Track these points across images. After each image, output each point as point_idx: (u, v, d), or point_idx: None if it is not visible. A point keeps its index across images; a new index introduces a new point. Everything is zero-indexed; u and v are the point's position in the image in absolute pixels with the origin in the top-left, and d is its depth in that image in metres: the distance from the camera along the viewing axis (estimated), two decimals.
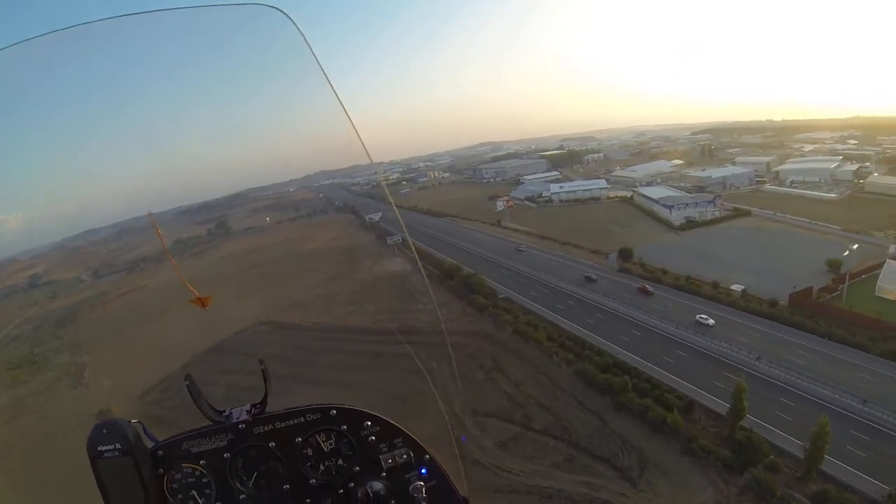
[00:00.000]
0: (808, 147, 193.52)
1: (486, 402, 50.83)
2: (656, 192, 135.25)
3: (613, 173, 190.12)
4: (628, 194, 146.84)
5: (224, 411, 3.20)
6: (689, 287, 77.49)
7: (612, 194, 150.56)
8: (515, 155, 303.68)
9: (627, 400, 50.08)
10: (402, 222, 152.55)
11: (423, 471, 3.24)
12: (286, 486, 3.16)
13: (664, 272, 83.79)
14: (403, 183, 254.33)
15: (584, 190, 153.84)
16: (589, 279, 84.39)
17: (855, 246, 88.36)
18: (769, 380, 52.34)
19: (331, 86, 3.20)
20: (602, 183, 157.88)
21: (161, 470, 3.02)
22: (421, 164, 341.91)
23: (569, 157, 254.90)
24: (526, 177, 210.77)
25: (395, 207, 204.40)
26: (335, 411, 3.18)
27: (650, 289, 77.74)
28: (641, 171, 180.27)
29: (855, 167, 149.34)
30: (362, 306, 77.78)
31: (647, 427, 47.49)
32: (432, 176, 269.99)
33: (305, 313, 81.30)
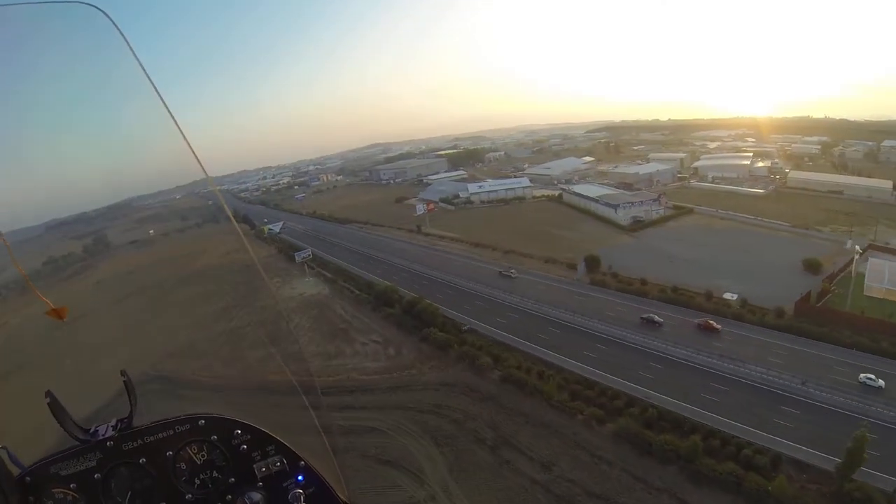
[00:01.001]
0: (712, 144, 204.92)
1: (513, 502, 35.32)
2: (590, 190, 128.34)
3: (526, 170, 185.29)
4: (554, 193, 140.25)
5: (90, 429, 3.08)
6: (680, 299, 68.50)
7: (537, 193, 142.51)
8: (409, 155, 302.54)
9: (705, 468, 37.91)
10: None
11: (300, 478, 3.21)
12: None
13: (643, 282, 74.96)
14: (296, 187, 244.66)
15: (507, 189, 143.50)
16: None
17: (847, 244, 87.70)
18: (831, 408, 43.77)
19: (158, 94, 3.07)
20: (525, 181, 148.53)
21: (31, 498, 2.94)
22: (310, 168, 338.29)
23: (469, 155, 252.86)
24: (430, 177, 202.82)
25: (296, 215, 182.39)
26: (203, 421, 3.13)
27: (716, 324, 60.23)
28: (556, 168, 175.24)
29: (767, 163, 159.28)
30: (280, 347, 59.90)
31: (743, 500, 35.69)
32: (325, 179, 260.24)
33: (206, 362, 62.22)
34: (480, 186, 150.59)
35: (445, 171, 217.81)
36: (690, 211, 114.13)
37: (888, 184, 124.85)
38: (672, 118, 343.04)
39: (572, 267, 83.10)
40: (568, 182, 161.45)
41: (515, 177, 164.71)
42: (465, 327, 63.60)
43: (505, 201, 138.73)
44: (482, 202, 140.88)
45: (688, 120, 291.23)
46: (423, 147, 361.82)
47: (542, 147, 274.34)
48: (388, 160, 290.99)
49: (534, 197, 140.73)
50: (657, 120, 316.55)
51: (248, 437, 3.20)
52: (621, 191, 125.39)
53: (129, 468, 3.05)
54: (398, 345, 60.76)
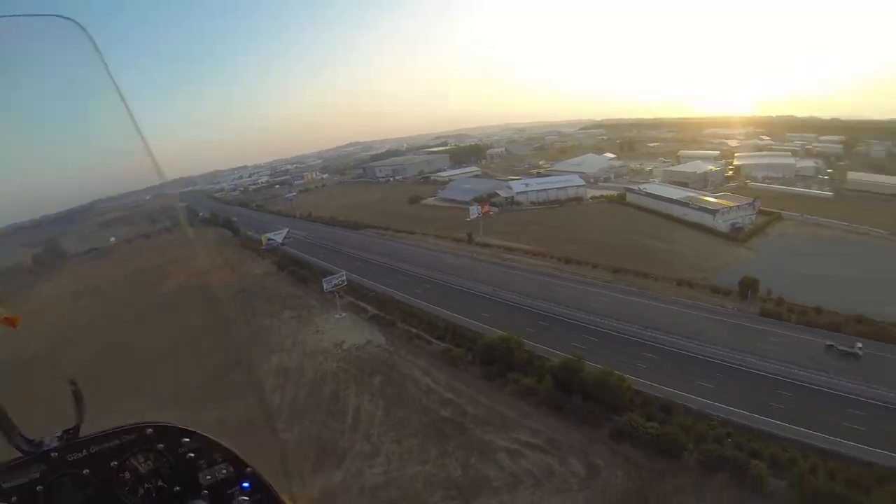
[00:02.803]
0: (732, 142, 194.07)
1: None
2: (666, 191, 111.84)
3: (556, 166, 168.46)
4: (613, 193, 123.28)
5: (35, 440, 2.96)
6: (872, 332, 52.69)
7: (595, 193, 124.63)
8: (398, 152, 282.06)
9: None
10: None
11: (246, 485, 3.09)
12: None
13: (818, 311, 58.36)
14: (277, 186, 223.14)
15: (558, 188, 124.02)
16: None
17: None
18: None
19: (121, 97, 3.14)
20: (576, 179, 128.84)
21: None
22: (289, 167, 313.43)
23: (471, 151, 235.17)
24: (440, 174, 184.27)
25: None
26: (151, 430, 3.05)
27: None
28: (587, 165, 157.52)
29: (811, 163, 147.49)
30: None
31: None
32: (311, 177, 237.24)
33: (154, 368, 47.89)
34: (526, 185, 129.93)
35: (452, 169, 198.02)
36: (779, 217, 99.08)
37: None
38: (658, 116, 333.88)
39: (717, 292, 65.68)
40: (606, 181, 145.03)
41: (549, 175, 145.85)
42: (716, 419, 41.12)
43: (559, 202, 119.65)
44: (532, 203, 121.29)
45: (691, 118, 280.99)
46: (406, 146, 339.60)
47: (542, 144, 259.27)
48: (376, 157, 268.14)
49: (592, 198, 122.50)
50: (659, 118, 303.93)
51: (196, 444, 3.06)
52: (700, 193, 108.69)
53: (72, 479, 2.90)
54: (577, 451, 38.45)
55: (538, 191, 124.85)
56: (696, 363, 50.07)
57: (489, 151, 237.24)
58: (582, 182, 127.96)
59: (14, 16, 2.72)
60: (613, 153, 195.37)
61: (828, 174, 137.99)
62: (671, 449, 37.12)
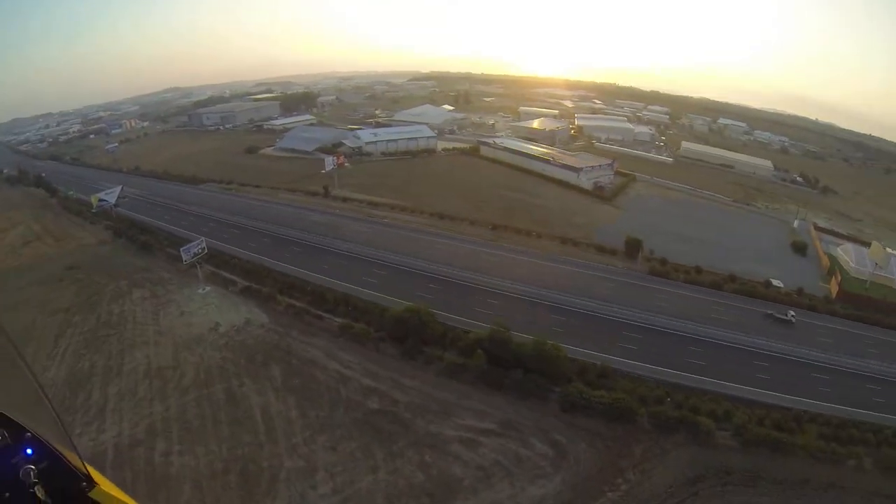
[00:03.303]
0: (568, 104, 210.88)
1: None
2: (521, 146, 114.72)
3: (396, 116, 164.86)
4: (464, 146, 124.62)
5: None
6: (748, 290, 62.13)
7: (446, 145, 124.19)
8: (222, 99, 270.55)
9: None
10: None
11: (29, 452, 2.90)
12: None
13: (698, 271, 65.53)
14: (92, 137, 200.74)
15: (409, 139, 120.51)
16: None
17: (795, 223, 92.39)
18: None
19: None
20: (426, 130, 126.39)
21: None
22: (101, 114, 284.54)
23: (302, 99, 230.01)
24: (273, 122, 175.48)
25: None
26: None
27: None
28: (428, 117, 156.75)
29: (646, 129, 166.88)
30: None
31: None
32: (129, 125, 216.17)
33: None
34: (375, 134, 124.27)
35: (284, 117, 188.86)
36: (634, 178, 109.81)
37: (768, 163, 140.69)
38: (486, 73, 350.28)
39: (603, 250, 69.54)
40: (451, 133, 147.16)
41: (361, 124, 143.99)
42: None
43: (411, 154, 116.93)
44: (382, 154, 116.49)
45: (520, 76, 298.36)
46: (228, 92, 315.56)
47: (372, 94, 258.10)
48: (199, 104, 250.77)
49: (444, 150, 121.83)
50: (488, 74, 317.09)
51: None
52: (562, 151, 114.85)
53: None
54: (534, 430, 36.86)
55: (388, 141, 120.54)
56: (610, 325, 51.70)
57: (319, 99, 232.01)
58: (433, 133, 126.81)
59: None
60: (449, 105, 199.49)
61: (661, 141, 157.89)
62: (625, 415, 37.69)
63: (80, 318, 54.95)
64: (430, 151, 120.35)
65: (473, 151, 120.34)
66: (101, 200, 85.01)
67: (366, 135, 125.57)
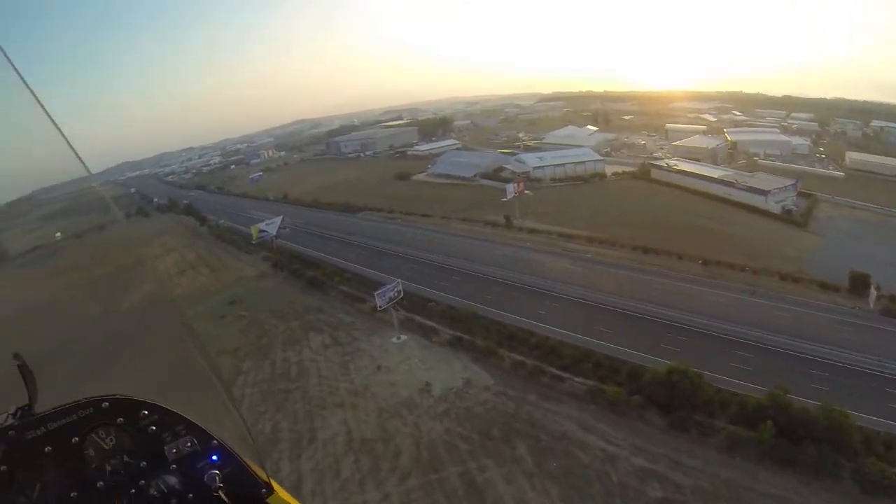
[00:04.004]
0: (710, 117, 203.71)
1: None
2: (702, 168, 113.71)
3: (546, 139, 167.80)
4: (632, 168, 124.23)
5: None
6: None
7: (616, 169, 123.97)
8: (353, 128, 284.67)
9: None
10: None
11: (215, 458, 3.14)
12: (73, 494, 2.98)
13: None
14: (233, 167, 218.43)
15: (575, 163, 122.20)
16: None
17: None
18: None
19: (33, 94, 3.04)
20: (590, 153, 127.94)
21: None
22: (239, 146, 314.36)
23: (438, 124, 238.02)
24: (417, 148, 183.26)
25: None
26: (107, 403, 3.04)
27: None
28: (576, 137, 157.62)
29: (804, 141, 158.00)
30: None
31: None
32: (268, 155, 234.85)
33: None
34: (541, 158, 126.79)
35: (425, 143, 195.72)
36: (816, 199, 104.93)
37: None
38: (608, 90, 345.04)
39: (826, 287, 66.99)
40: (607, 155, 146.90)
41: (537, 148, 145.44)
42: None
43: (583, 179, 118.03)
44: (552, 180, 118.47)
45: (644, 92, 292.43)
46: (357, 120, 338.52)
47: (505, 117, 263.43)
48: (333, 133, 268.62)
49: (614, 174, 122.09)
50: (610, 91, 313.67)
51: (156, 417, 3.08)
52: (740, 172, 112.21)
53: (35, 458, 2.91)
54: None
55: (555, 165, 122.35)
56: (869, 380, 47.25)
57: (455, 124, 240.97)
58: (598, 156, 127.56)
59: None
60: (592, 126, 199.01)
61: (821, 153, 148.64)
62: None
63: (251, 365, 52.94)
64: (600, 176, 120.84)
65: (643, 174, 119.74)
66: (261, 231, 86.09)
67: (531, 159, 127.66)
